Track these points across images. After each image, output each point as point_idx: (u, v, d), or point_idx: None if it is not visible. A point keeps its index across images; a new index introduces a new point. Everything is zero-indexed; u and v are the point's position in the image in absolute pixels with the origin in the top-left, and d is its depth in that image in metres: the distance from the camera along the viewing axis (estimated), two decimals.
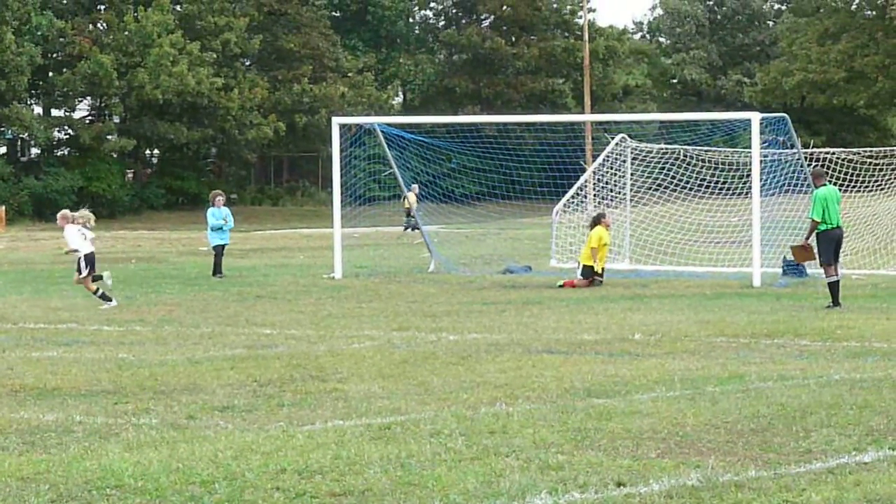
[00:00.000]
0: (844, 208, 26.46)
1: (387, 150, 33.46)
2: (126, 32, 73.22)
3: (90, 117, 79.02)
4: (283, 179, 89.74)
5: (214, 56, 74.77)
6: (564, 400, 13.02)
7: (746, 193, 31.64)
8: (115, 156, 77.36)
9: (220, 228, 31.48)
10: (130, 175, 79.92)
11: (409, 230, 47.63)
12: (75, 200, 65.88)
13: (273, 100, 78.59)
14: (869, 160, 35.86)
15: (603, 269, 28.84)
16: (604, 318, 21.27)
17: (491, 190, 47.03)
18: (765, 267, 28.67)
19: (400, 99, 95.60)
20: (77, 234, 24.06)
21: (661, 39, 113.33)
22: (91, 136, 72.93)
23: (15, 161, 75.22)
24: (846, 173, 35.08)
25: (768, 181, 31.08)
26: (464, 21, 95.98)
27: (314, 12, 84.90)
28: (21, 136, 75.91)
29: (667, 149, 36.87)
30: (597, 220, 29.55)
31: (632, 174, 35.23)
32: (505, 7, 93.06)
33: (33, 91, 75.98)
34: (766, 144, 32.49)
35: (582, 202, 36.36)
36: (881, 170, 35.73)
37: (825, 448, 10.57)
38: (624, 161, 35.19)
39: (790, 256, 27.15)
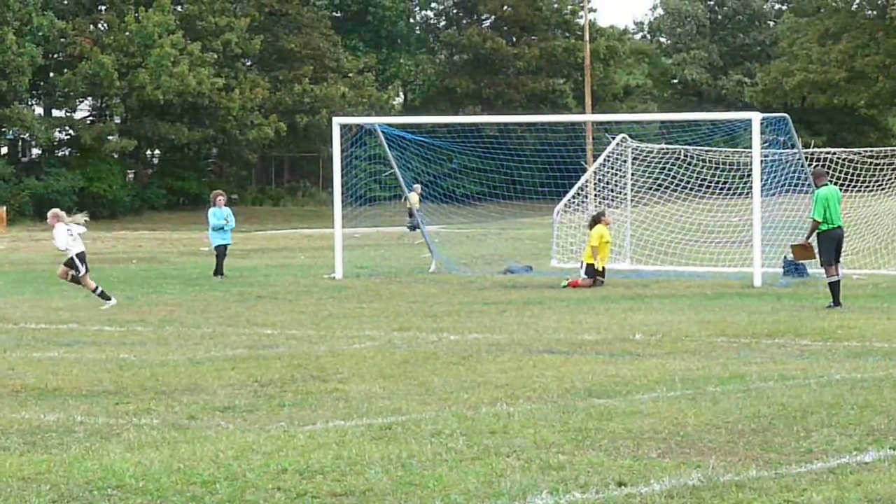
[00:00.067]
0: (845, 208, 26.46)
1: (387, 150, 33.44)
2: (127, 33, 73.20)
3: (91, 118, 78.99)
4: (283, 180, 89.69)
5: (215, 56, 74.77)
6: (565, 400, 13.02)
7: (747, 193, 31.64)
8: (115, 156, 77.38)
9: (222, 228, 31.45)
10: (131, 175, 79.90)
11: (411, 230, 47.58)
12: (76, 201, 65.95)
13: (274, 100, 78.57)
14: (869, 160, 35.87)
15: (604, 267, 28.81)
16: (605, 318, 21.26)
17: (492, 190, 47.05)
18: (765, 267, 28.68)
19: (401, 99, 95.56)
20: (65, 232, 24.00)
21: (662, 39, 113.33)
22: (92, 137, 72.91)
23: (16, 161, 75.22)
24: (847, 173, 35.10)
25: (769, 181, 31.08)
26: (464, 21, 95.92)
27: (315, 13, 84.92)
28: (22, 136, 75.93)
29: (667, 149, 36.85)
30: (596, 219, 29.53)
31: (632, 174, 35.22)
32: (505, 7, 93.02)
33: (34, 91, 75.91)
34: (767, 144, 32.49)
35: (583, 202, 36.35)
36: (882, 170, 35.74)
37: (826, 448, 10.57)
38: (625, 161, 35.19)
39: (790, 256, 27.17)
